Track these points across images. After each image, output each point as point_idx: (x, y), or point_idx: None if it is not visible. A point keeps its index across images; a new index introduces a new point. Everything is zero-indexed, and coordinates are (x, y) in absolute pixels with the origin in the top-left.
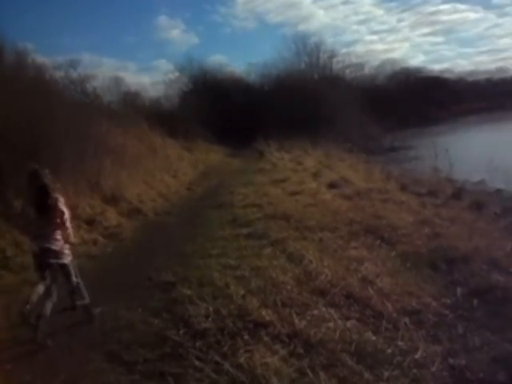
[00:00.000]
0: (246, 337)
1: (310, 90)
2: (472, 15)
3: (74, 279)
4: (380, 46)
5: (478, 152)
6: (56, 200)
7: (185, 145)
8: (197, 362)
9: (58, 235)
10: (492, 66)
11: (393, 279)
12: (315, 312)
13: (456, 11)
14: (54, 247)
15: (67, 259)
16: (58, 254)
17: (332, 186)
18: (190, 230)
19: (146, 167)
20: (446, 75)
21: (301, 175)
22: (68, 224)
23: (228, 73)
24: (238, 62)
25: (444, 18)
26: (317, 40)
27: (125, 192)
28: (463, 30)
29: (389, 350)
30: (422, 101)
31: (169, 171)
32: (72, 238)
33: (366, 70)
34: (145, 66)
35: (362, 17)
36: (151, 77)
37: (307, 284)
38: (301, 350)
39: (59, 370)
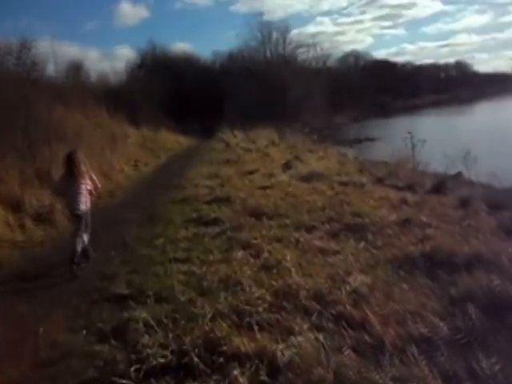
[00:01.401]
0: (215, 377)
1: (274, 77)
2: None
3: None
4: (343, 38)
5: (449, 143)
6: (82, 167)
7: (147, 134)
8: None
9: (83, 194)
10: (451, 60)
11: (388, 293)
12: (300, 339)
13: (415, 5)
14: (81, 204)
15: (88, 210)
16: (84, 207)
17: (304, 179)
18: (151, 228)
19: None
20: (395, 59)
21: (270, 167)
22: (94, 177)
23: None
24: (202, 50)
25: (406, 11)
26: (282, 29)
27: None
28: (425, 24)
29: None
30: (377, 88)
31: (128, 161)
32: (98, 189)
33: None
34: (107, 53)
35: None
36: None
37: (287, 300)
38: None
39: None
